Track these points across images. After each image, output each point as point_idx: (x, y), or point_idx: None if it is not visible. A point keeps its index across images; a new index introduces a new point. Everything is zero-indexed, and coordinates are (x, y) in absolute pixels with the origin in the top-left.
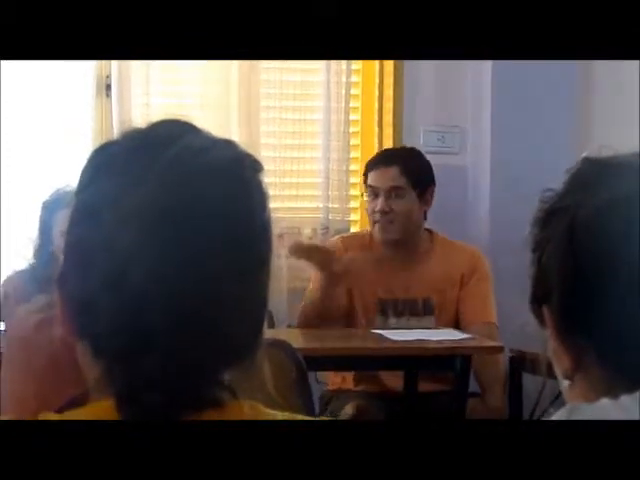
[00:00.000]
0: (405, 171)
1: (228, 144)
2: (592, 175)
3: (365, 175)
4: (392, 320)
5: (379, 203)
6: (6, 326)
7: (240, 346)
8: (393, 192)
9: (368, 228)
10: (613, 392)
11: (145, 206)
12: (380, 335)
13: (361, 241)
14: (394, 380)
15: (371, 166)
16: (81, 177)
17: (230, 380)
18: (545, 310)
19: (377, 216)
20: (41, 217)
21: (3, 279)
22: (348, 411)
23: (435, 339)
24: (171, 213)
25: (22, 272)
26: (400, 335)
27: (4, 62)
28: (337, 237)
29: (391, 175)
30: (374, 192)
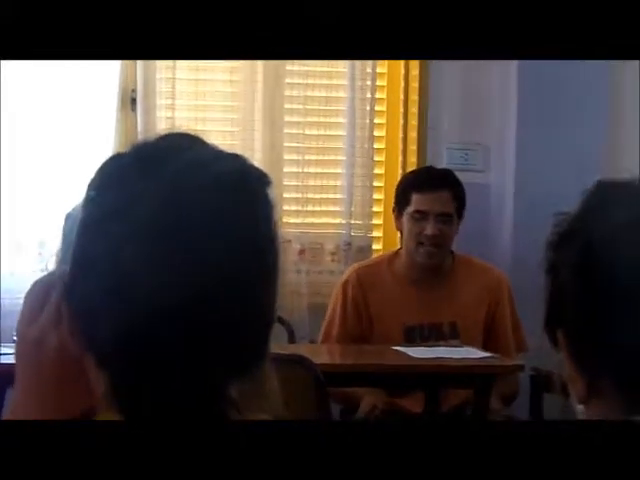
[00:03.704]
0: (454, 197)
1: (235, 157)
2: (605, 198)
3: (404, 193)
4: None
5: (430, 228)
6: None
7: (244, 357)
8: (444, 217)
9: (383, 252)
10: (629, 416)
11: (150, 218)
12: (401, 352)
13: (378, 269)
14: (412, 403)
15: (417, 187)
16: (88, 189)
17: (237, 396)
18: (559, 334)
19: (424, 239)
20: (64, 229)
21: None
22: (364, 409)
23: (455, 357)
24: (176, 225)
25: None
26: (421, 353)
27: (29, 80)
28: (352, 268)
29: (443, 200)
30: (422, 215)
